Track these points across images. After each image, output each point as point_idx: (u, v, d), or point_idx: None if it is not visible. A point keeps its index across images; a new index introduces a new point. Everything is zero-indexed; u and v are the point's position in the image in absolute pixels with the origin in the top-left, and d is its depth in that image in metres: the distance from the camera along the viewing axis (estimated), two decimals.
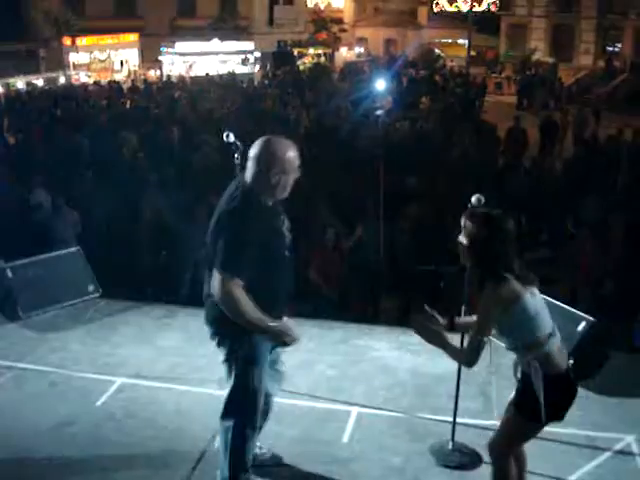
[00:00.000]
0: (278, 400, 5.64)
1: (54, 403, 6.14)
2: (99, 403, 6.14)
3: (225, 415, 4.59)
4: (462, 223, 4.14)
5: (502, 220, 4.09)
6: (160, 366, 6.80)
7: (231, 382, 4.52)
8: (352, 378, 6.59)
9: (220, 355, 4.58)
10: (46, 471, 5.20)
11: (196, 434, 5.57)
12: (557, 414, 4.18)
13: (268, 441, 5.19)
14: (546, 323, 4.11)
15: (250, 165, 4.32)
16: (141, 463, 5.29)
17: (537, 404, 4.07)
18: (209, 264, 4.31)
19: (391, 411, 5.98)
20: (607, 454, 5.39)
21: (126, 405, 6.11)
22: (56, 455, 5.37)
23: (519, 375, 4.28)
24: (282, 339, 4.38)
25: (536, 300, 4.10)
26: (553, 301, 6.47)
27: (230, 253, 4.14)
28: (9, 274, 7.94)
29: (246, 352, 4.40)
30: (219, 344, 4.50)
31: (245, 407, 4.52)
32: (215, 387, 6.23)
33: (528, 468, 4.74)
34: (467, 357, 4.15)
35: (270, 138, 4.38)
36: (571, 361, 4.29)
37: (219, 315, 4.29)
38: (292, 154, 4.35)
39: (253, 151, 4.32)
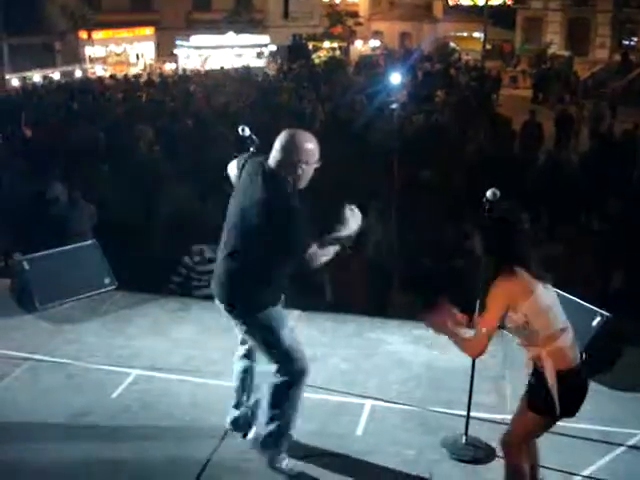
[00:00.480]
0: None
1: (69, 395, 6.17)
2: (114, 395, 6.17)
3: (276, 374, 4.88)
4: (479, 218, 4.16)
5: (517, 215, 4.12)
6: (175, 358, 6.82)
7: (265, 350, 4.87)
8: (366, 371, 6.60)
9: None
10: (61, 463, 5.22)
11: (211, 426, 5.59)
12: (569, 409, 4.18)
13: None
14: (558, 319, 4.11)
15: (275, 155, 4.55)
16: (156, 455, 5.31)
17: (550, 399, 4.07)
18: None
19: (405, 404, 5.99)
20: (621, 449, 5.38)
21: (141, 397, 6.13)
22: (71, 447, 5.40)
23: (530, 371, 4.28)
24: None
25: (549, 295, 4.10)
26: (567, 296, 6.47)
27: (300, 239, 4.42)
28: (26, 266, 7.98)
29: (267, 321, 4.73)
30: (238, 317, 4.79)
31: (291, 364, 4.82)
32: (230, 379, 6.28)
33: (542, 463, 4.76)
34: (471, 347, 4.17)
35: (294, 130, 4.61)
36: (584, 356, 4.27)
37: (239, 291, 4.67)
38: (313, 145, 4.58)
39: (278, 142, 4.55)
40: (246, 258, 4.58)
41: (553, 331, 4.06)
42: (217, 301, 4.88)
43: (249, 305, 4.70)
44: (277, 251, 4.50)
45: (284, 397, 4.86)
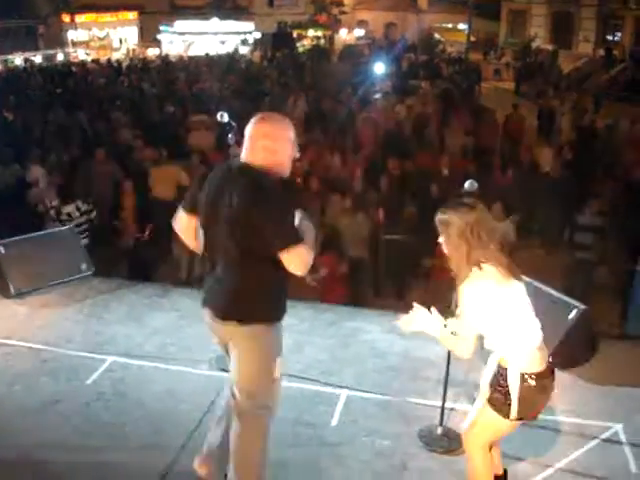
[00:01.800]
0: None
1: (44, 381, 6.13)
2: (89, 381, 6.13)
3: (244, 409, 4.20)
4: (439, 215, 4.04)
5: (477, 209, 3.98)
6: (151, 345, 6.79)
7: (250, 371, 4.16)
8: (343, 361, 6.58)
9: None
10: (33, 449, 5.18)
11: (186, 414, 5.57)
12: (530, 414, 4.13)
13: None
14: (526, 319, 4.00)
15: (254, 145, 4.03)
16: (130, 442, 5.28)
17: (509, 402, 4.04)
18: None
19: (381, 394, 5.98)
20: (595, 442, 5.38)
21: (116, 384, 6.10)
22: (44, 433, 5.37)
23: (494, 371, 4.20)
24: None
25: (518, 295, 3.99)
26: (543, 288, 6.50)
27: (287, 227, 3.88)
28: (1, 250, 7.89)
29: (271, 340, 4.14)
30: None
31: (269, 398, 4.23)
32: (205, 367, 6.26)
33: (516, 455, 4.77)
34: (459, 348, 4.09)
35: (264, 114, 4.16)
36: (550, 358, 4.18)
37: (242, 298, 4.07)
38: (289, 125, 4.14)
39: (250, 129, 4.06)
40: (239, 266, 4.02)
41: (519, 332, 3.97)
42: (210, 318, 4.23)
43: (244, 318, 4.05)
44: (272, 250, 3.91)
45: (253, 438, 4.21)
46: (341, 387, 6.07)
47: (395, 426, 5.55)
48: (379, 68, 25.04)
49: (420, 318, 4.15)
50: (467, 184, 4.72)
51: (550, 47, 40.76)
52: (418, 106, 19.31)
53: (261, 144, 3.99)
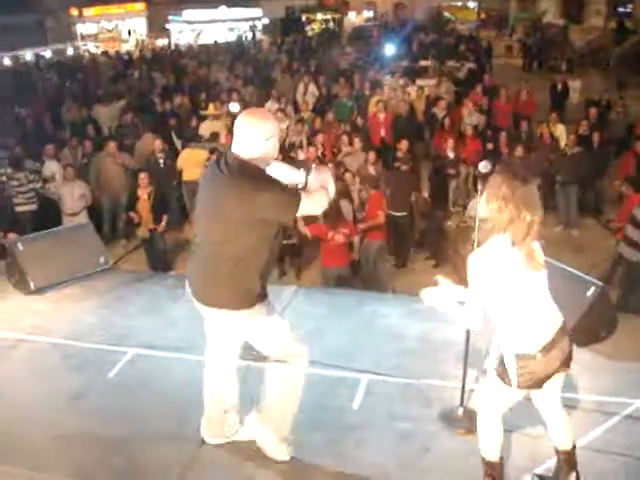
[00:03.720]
0: None
1: (67, 375, 6.20)
2: (112, 374, 6.19)
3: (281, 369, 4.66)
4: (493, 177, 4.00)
5: (528, 185, 3.89)
6: (172, 336, 6.82)
7: (270, 346, 4.62)
8: (362, 345, 6.60)
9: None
10: (60, 443, 5.25)
11: None
12: (534, 385, 4.12)
13: None
14: (527, 299, 3.95)
15: (241, 138, 4.23)
16: (154, 434, 5.33)
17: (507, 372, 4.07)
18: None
19: (401, 377, 6.00)
20: (616, 419, 5.38)
21: (139, 376, 6.15)
22: (69, 427, 5.42)
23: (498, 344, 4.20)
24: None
25: (529, 281, 3.92)
26: (562, 266, 6.49)
27: (284, 196, 4.16)
28: (20, 247, 7.95)
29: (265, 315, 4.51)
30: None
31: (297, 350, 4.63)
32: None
33: (537, 433, 4.76)
34: (466, 318, 4.10)
35: (249, 110, 4.39)
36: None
37: (235, 287, 4.45)
38: (272, 117, 4.39)
39: (240, 125, 4.25)
40: (234, 252, 4.33)
41: (514, 311, 3.95)
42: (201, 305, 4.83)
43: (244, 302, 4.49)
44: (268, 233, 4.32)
45: (292, 387, 4.69)
46: (361, 371, 6.09)
47: (416, 408, 5.58)
48: (389, 49, 24.95)
49: (439, 292, 4.18)
50: (481, 165, 4.71)
51: (561, 22, 40.35)
52: (430, 87, 19.22)
53: (241, 140, 4.21)
